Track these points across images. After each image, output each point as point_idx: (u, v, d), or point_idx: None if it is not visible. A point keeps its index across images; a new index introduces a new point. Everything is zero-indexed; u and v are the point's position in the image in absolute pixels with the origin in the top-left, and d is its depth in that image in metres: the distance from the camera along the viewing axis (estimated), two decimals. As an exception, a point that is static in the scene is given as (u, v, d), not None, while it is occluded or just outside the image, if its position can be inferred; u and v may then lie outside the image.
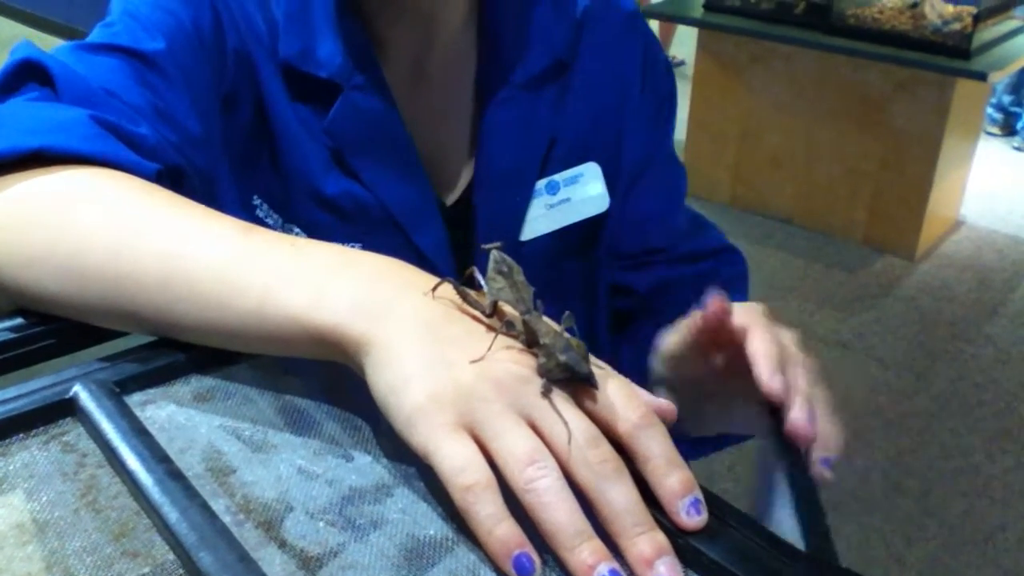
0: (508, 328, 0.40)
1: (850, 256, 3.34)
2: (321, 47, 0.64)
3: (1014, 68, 3.04)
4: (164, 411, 0.44)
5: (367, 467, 0.41)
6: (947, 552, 2.02)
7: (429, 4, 0.66)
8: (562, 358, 0.38)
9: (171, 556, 0.35)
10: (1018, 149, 4.30)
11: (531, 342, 0.40)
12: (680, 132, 3.66)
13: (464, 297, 0.42)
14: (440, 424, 0.37)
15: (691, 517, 0.37)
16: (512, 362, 0.39)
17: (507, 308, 0.41)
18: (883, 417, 2.48)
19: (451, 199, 0.72)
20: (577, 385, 0.39)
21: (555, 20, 0.70)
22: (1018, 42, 3.02)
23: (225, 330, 0.44)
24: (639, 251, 0.78)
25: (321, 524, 0.38)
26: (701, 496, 0.37)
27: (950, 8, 2.97)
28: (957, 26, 2.83)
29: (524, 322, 0.40)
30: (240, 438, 0.42)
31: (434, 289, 0.42)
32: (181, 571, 0.35)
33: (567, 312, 0.41)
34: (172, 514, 0.36)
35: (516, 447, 0.36)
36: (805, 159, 3.35)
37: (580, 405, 0.39)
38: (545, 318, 0.41)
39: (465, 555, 0.37)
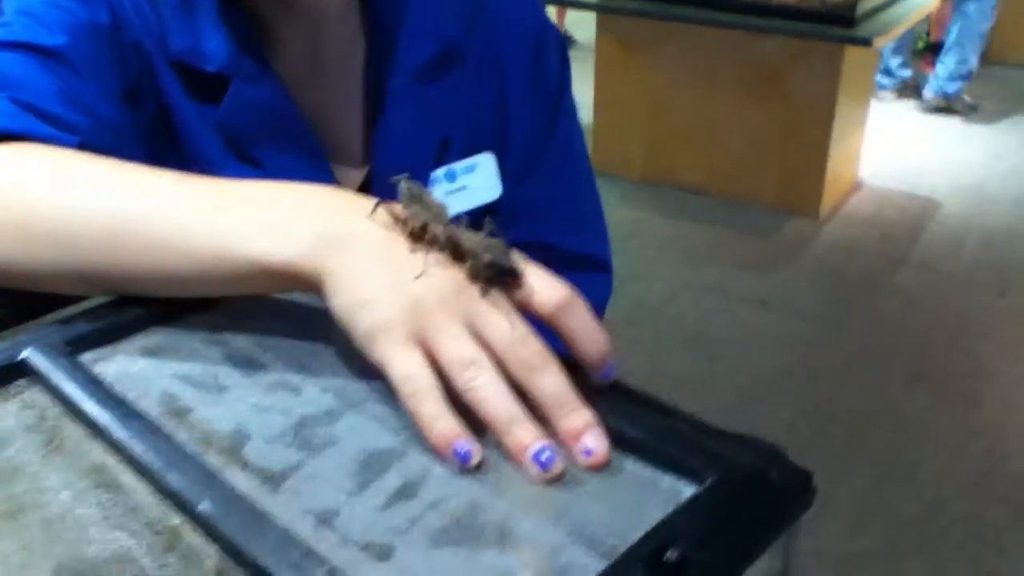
0: (434, 243, 0.44)
1: (761, 221, 3.46)
2: (207, 41, 0.65)
3: (897, 32, 3.19)
4: (116, 365, 0.46)
5: (316, 398, 0.44)
6: (874, 488, 2.13)
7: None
8: (487, 257, 0.42)
9: (143, 485, 0.38)
10: (927, 109, 4.49)
11: (457, 252, 0.44)
12: (587, 114, 3.73)
13: (396, 219, 0.45)
14: (393, 340, 0.41)
15: (606, 379, 0.43)
16: (447, 276, 0.43)
17: (434, 227, 0.45)
18: (807, 367, 2.59)
19: (352, 187, 0.73)
20: (506, 281, 0.43)
21: (442, 2, 0.71)
22: (899, 9, 3.18)
23: (182, 276, 0.46)
24: (525, 243, 0.79)
25: (279, 447, 0.41)
26: (616, 362, 0.43)
27: (834, -22, 3.11)
28: (842, -6, 2.97)
29: (447, 236, 0.44)
30: (193, 384, 0.45)
31: (372, 212, 0.45)
32: (154, 495, 0.37)
33: (487, 217, 0.45)
34: (137, 446, 0.38)
35: (456, 353, 0.41)
36: (711, 131, 3.46)
37: (511, 299, 0.43)
38: (463, 229, 0.45)
39: (416, 458, 0.40)
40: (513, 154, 0.75)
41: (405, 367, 0.41)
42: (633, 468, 0.39)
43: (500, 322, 0.41)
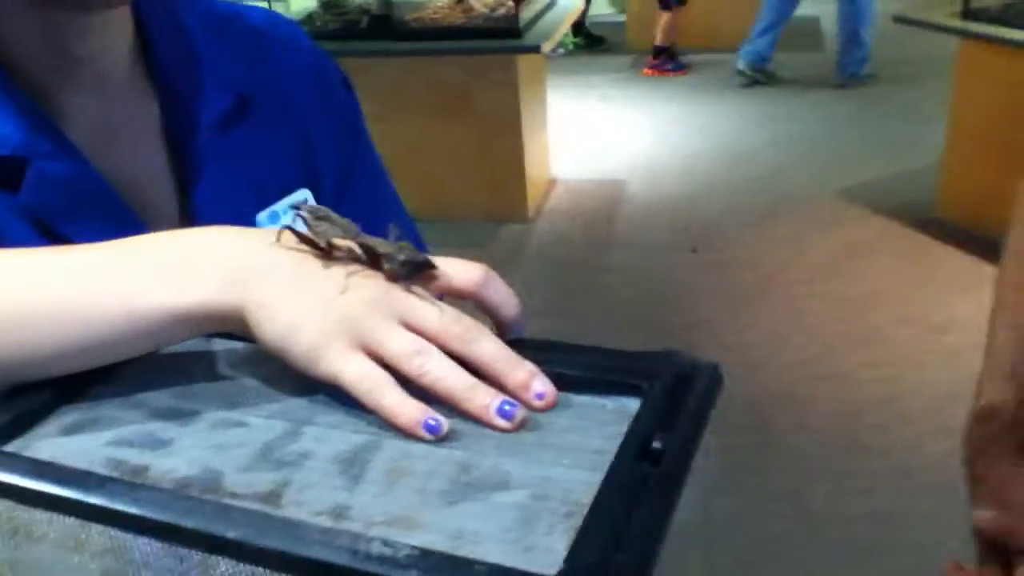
0: (350, 255, 0.47)
1: (477, 233, 3.67)
2: None
3: (558, 36, 3.53)
4: (43, 451, 0.44)
5: (265, 425, 0.45)
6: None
7: (90, 65, 0.66)
8: (401, 257, 0.47)
9: (146, 541, 0.38)
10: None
11: (372, 258, 0.47)
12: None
13: (304, 240, 0.48)
14: (337, 352, 0.44)
15: (519, 335, 0.50)
16: (369, 283, 0.46)
17: (340, 241, 0.48)
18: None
19: None
20: (423, 274, 0.48)
21: (224, 52, 0.72)
22: (553, 15, 3.54)
23: (94, 343, 0.45)
24: None
25: (257, 472, 0.42)
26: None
27: (491, -4, 3.38)
28: (503, 11, 3.23)
29: (360, 245, 0.47)
30: (134, 445, 0.44)
31: (278, 239, 0.48)
32: (154, 542, 0.38)
33: (391, 224, 0.49)
34: (130, 506, 0.38)
35: (399, 347, 0.44)
36: (414, 159, 3.59)
37: (432, 288, 0.48)
38: (372, 237, 0.49)
39: (391, 444, 0.43)
40: (326, 186, 0.78)
41: (356, 370, 0.44)
42: (580, 400, 0.46)
43: (429, 310, 0.46)
